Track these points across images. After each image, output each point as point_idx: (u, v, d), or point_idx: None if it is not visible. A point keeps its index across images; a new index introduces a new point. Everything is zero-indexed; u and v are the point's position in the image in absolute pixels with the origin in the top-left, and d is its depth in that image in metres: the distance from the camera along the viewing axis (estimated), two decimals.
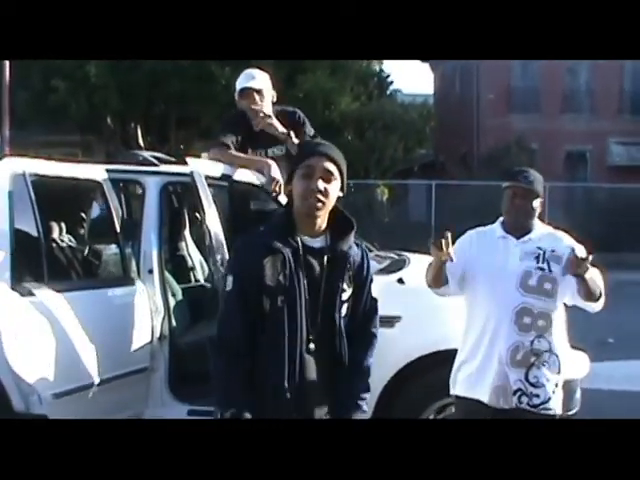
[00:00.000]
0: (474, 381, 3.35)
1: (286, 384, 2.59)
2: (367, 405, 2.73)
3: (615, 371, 6.92)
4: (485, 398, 3.30)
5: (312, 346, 2.62)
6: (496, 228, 3.44)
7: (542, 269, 3.29)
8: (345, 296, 2.68)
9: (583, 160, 25.12)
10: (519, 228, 3.36)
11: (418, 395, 4.21)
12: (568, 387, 4.54)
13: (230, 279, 2.64)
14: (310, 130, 4.79)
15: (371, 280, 2.78)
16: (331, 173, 2.59)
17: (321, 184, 2.56)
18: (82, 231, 5.27)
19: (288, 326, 2.58)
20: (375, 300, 2.80)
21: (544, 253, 3.31)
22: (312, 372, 2.64)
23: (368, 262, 2.77)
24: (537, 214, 3.39)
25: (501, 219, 3.46)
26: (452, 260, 3.14)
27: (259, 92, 4.58)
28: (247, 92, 4.58)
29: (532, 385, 3.29)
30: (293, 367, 2.60)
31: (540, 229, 3.42)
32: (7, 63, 15.86)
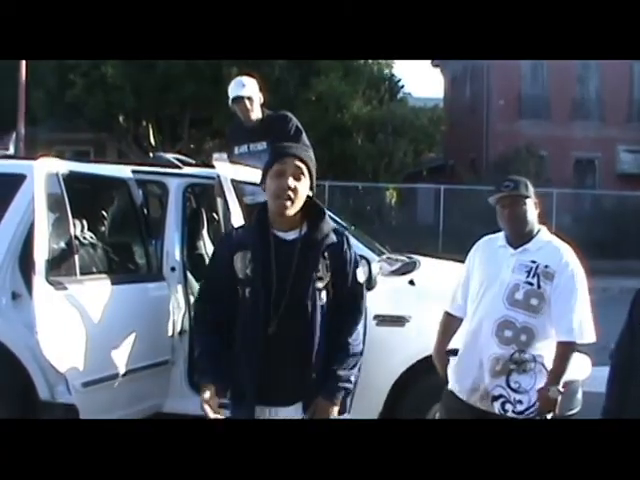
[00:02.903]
0: (459, 379, 3.44)
1: (253, 378, 2.72)
2: (343, 391, 2.82)
3: None
4: (464, 395, 3.37)
5: (272, 329, 2.71)
6: (500, 236, 3.43)
7: (531, 284, 3.22)
8: (321, 284, 2.78)
9: (592, 167, 25.17)
10: (518, 237, 3.32)
11: (426, 392, 4.33)
12: (570, 388, 4.72)
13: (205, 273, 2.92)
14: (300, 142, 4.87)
15: (354, 265, 2.86)
16: (301, 172, 2.76)
17: (292, 182, 2.73)
18: (103, 229, 5.45)
19: (250, 315, 2.74)
20: (360, 285, 2.90)
21: (536, 267, 3.23)
22: (277, 356, 2.73)
23: (348, 248, 2.86)
24: (535, 216, 3.35)
25: None
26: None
27: (249, 98, 5.20)
28: (238, 100, 5.20)
29: (514, 391, 3.24)
30: (256, 355, 2.72)
31: (542, 240, 3.35)
32: (23, 62, 16.03)
